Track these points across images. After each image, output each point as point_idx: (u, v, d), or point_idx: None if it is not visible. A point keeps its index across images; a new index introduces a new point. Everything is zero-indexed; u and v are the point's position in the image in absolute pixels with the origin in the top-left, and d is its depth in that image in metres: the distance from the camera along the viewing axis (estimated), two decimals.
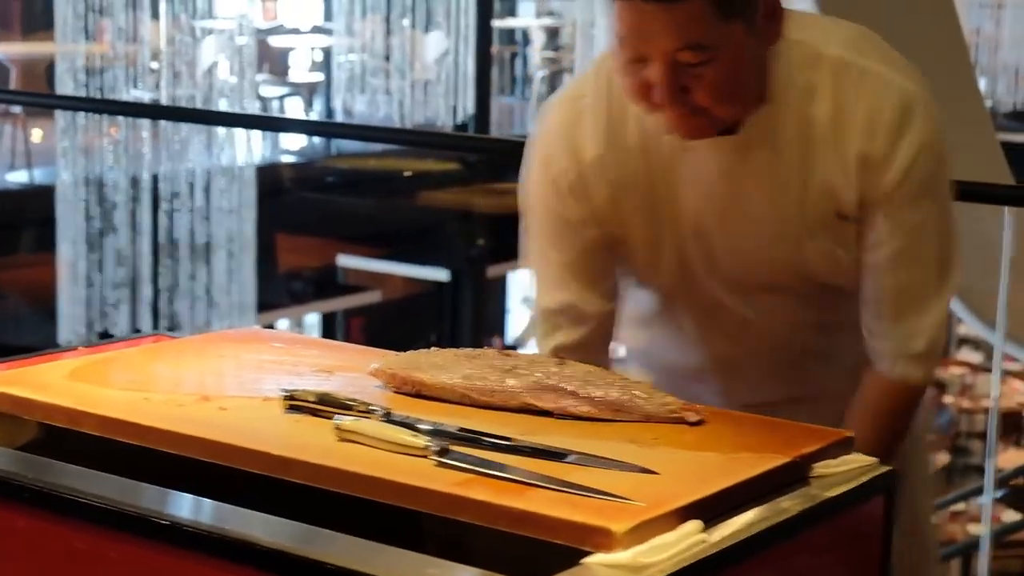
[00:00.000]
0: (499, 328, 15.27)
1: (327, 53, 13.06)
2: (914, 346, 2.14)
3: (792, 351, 2.24)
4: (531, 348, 2.14)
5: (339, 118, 11.83)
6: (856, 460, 1.73)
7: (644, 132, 2.09)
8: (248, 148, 9.14)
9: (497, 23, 14.91)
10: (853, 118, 2.04)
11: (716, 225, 2.12)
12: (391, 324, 14.42)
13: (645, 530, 1.45)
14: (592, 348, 2.19)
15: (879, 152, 2.04)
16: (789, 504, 1.60)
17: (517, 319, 15.38)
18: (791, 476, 1.66)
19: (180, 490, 1.61)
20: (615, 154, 2.12)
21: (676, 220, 2.13)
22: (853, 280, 2.14)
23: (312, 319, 14.51)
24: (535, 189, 2.21)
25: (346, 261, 14.01)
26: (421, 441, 1.62)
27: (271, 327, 8.03)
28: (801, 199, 2.08)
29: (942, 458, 11.83)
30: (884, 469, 1.74)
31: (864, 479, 1.70)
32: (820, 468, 1.69)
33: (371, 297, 14.22)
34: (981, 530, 4.52)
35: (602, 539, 1.43)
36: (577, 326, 2.21)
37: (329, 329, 14.20)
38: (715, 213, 2.11)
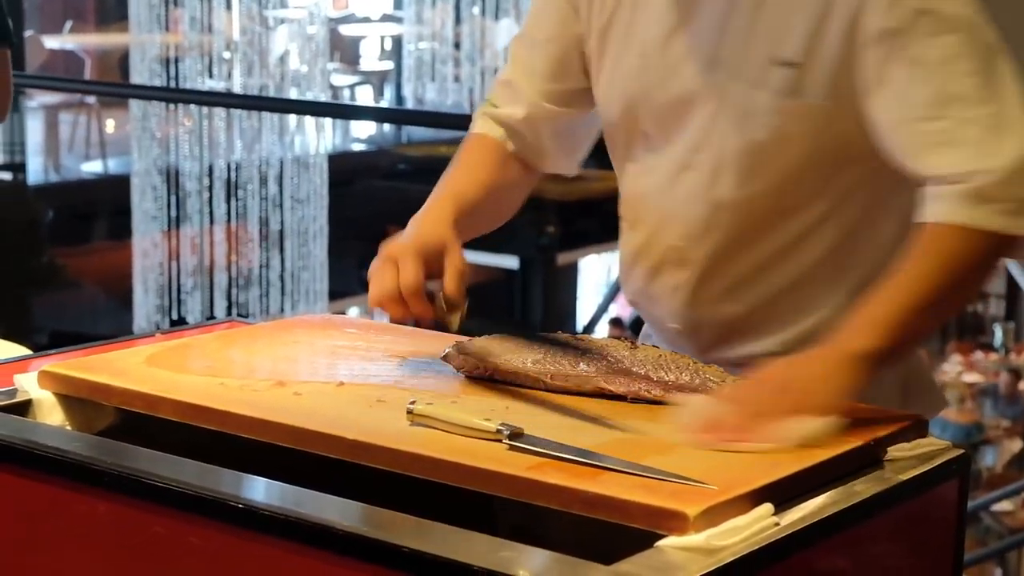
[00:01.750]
0: (570, 315, 15.26)
1: (397, 41, 13.09)
2: (984, 177, 1.82)
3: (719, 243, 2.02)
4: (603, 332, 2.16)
5: (409, 106, 11.85)
6: (930, 444, 1.72)
7: None
8: (319, 137, 9.18)
9: None
10: None
11: (659, 47, 2.03)
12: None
13: (718, 513, 1.45)
14: (523, 134, 2.20)
15: None
16: (862, 488, 1.60)
17: (588, 306, 15.36)
18: (864, 459, 1.66)
19: (256, 474, 1.63)
20: None
21: (628, 36, 2.07)
22: (770, 160, 1.96)
23: None
24: None
25: None
26: (494, 425, 1.63)
27: (342, 314, 8.08)
28: (745, 38, 1.95)
29: (1015, 445, 11.74)
30: (958, 452, 1.73)
31: (938, 462, 1.69)
32: (894, 451, 1.68)
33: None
34: None
35: (676, 522, 1.43)
36: (514, 104, 2.21)
37: None
38: (662, 34, 2.02)
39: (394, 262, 1.92)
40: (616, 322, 14.35)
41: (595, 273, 16.81)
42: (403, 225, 2.05)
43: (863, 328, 1.78)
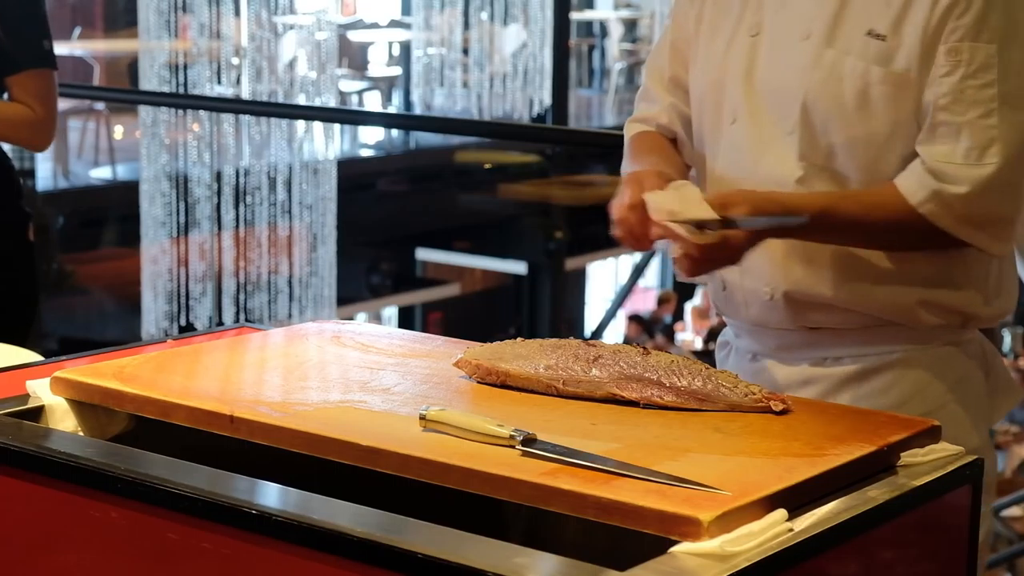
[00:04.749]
0: (578, 321, 15.27)
1: (405, 47, 13.11)
2: (941, 171, 2.06)
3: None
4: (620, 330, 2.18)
5: (418, 112, 11.87)
6: (943, 449, 1.72)
7: None
8: (328, 142, 9.18)
9: (575, 15, 14.90)
10: None
11: (769, 21, 2.19)
12: (469, 318, 14.45)
13: (732, 519, 1.45)
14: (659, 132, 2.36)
15: None
16: (875, 493, 1.60)
17: (595, 311, 15.37)
18: (877, 465, 1.66)
19: (269, 480, 1.63)
20: None
21: (743, 11, 2.22)
22: (862, 141, 2.11)
23: (390, 312, 14.57)
24: None
25: (424, 255, 14.05)
26: (507, 431, 1.63)
27: (351, 320, 8.08)
28: (838, 13, 2.12)
29: None
30: (971, 458, 1.73)
31: (951, 468, 1.69)
32: (907, 457, 1.68)
33: (449, 290, 14.26)
34: None
35: (689, 528, 1.43)
36: (651, 105, 2.39)
37: (407, 323, 14.26)
38: (772, 8, 2.19)
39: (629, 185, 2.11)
40: (635, 319, 14.39)
41: (603, 278, 16.82)
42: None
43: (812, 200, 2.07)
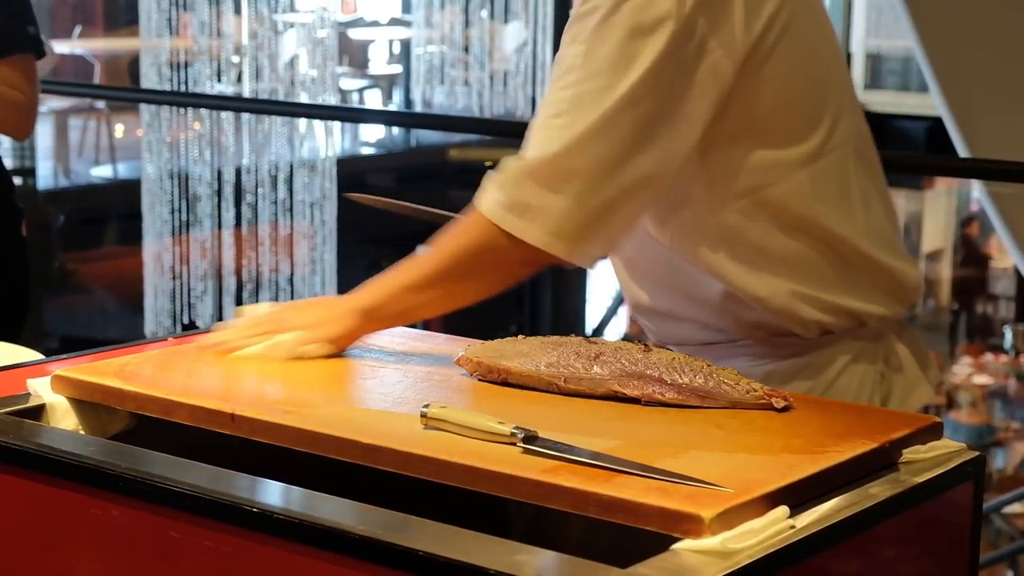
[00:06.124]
0: (579, 318, 15.26)
1: (406, 45, 13.10)
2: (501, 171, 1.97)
3: None
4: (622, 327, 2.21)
5: (418, 110, 11.86)
6: (945, 446, 1.72)
7: None
8: (328, 140, 9.18)
9: None
10: None
11: None
12: (469, 315, 14.42)
13: (733, 516, 1.45)
14: None
15: None
16: (877, 490, 1.60)
17: (597, 309, 15.35)
18: (879, 462, 1.66)
19: (270, 478, 1.63)
20: None
21: None
22: None
23: None
24: None
25: None
26: (508, 428, 1.63)
27: None
28: None
29: None
30: (973, 455, 1.73)
31: (953, 465, 1.69)
32: (909, 454, 1.68)
33: None
34: None
35: (691, 525, 1.43)
36: None
37: None
38: None
39: None
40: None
41: (604, 276, 16.82)
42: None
43: (368, 289, 2.07)
